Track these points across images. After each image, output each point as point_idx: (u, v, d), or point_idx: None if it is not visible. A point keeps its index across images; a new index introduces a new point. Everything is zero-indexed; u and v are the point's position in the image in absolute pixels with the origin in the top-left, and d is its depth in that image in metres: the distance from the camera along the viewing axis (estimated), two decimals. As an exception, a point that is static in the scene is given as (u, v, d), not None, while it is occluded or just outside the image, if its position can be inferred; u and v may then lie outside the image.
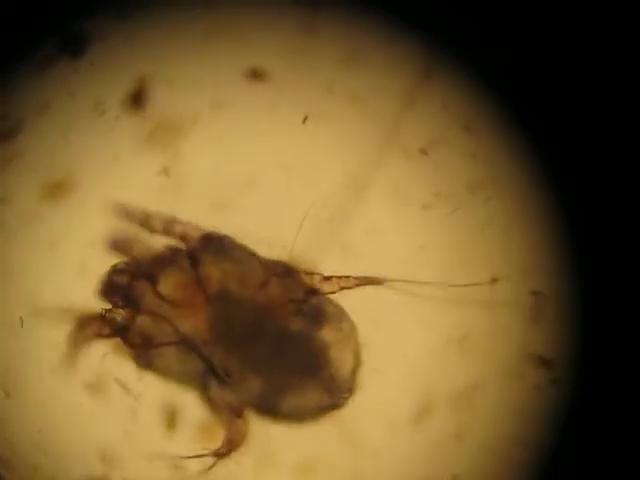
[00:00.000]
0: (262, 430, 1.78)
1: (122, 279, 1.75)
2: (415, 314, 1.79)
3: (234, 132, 1.80)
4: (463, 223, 1.82)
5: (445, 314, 1.79)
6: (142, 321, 1.74)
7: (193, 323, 1.72)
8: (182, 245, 1.76)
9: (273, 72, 1.81)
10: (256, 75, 1.80)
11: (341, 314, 1.77)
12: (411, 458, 1.83)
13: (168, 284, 1.74)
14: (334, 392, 1.76)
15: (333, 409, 1.77)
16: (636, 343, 1.77)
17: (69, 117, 1.77)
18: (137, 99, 1.77)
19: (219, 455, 1.76)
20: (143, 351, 1.74)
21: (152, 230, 1.76)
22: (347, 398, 1.77)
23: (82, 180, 1.79)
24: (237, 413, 1.75)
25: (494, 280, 1.81)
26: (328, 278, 1.77)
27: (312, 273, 1.76)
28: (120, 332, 1.74)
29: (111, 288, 1.75)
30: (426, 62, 1.78)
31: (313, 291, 1.76)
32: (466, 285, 1.77)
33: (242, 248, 1.77)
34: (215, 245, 1.75)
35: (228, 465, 1.78)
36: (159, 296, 1.73)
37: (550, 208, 1.81)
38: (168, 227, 1.76)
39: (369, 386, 1.79)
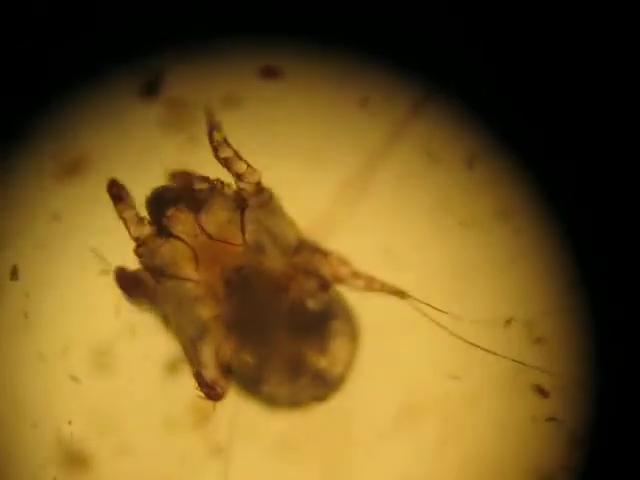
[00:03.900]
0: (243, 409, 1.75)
1: (171, 195, 1.71)
2: (424, 334, 1.78)
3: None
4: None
5: (454, 343, 1.77)
6: (167, 246, 1.71)
7: (212, 274, 1.70)
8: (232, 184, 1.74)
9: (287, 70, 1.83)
10: (271, 72, 1.82)
11: (353, 311, 1.75)
12: (392, 459, 1.81)
13: (210, 216, 1.71)
14: (322, 384, 1.72)
15: (316, 401, 1.74)
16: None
17: (84, 101, 1.80)
18: (152, 87, 1.79)
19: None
20: (150, 277, 1.71)
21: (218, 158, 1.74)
22: (333, 394, 1.74)
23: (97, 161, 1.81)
24: (220, 380, 1.71)
25: (508, 321, 1.81)
26: (357, 274, 1.75)
27: (344, 263, 1.74)
28: (142, 246, 1.71)
29: (158, 201, 1.71)
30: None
31: (339, 279, 1.74)
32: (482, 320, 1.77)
33: (285, 213, 1.76)
34: (265, 198, 1.74)
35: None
36: (199, 226, 1.70)
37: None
38: (230, 159, 1.73)
39: (358, 387, 1.77)
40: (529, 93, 1.78)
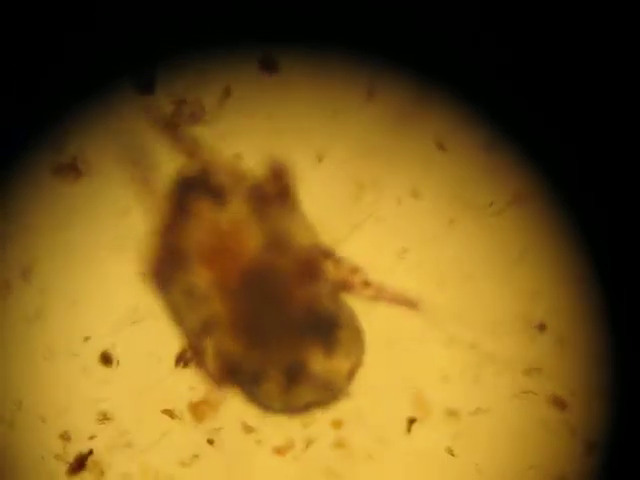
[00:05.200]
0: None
1: (194, 183, 1.72)
2: (432, 343, 1.76)
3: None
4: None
5: (464, 353, 1.76)
6: (187, 231, 1.72)
7: (226, 270, 1.69)
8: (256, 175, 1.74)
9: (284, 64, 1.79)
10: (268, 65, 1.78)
11: (360, 320, 1.73)
12: (398, 467, 1.79)
13: (229, 212, 1.71)
14: (324, 390, 1.72)
15: (321, 406, 1.74)
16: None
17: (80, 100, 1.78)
18: (148, 86, 1.77)
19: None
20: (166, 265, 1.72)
21: None
22: (338, 399, 1.73)
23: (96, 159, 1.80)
24: (221, 380, 1.73)
25: (523, 325, 1.77)
26: (368, 282, 1.73)
27: (356, 271, 1.73)
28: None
29: (182, 187, 1.72)
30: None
31: (349, 287, 1.72)
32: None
33: (302, 214, 1.74)
34: (285, 196, 1.73)
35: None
36: (217, 220, 1.70)
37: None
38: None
39: (363, 394, 1.75)
40: (545, 80, 1.75)
